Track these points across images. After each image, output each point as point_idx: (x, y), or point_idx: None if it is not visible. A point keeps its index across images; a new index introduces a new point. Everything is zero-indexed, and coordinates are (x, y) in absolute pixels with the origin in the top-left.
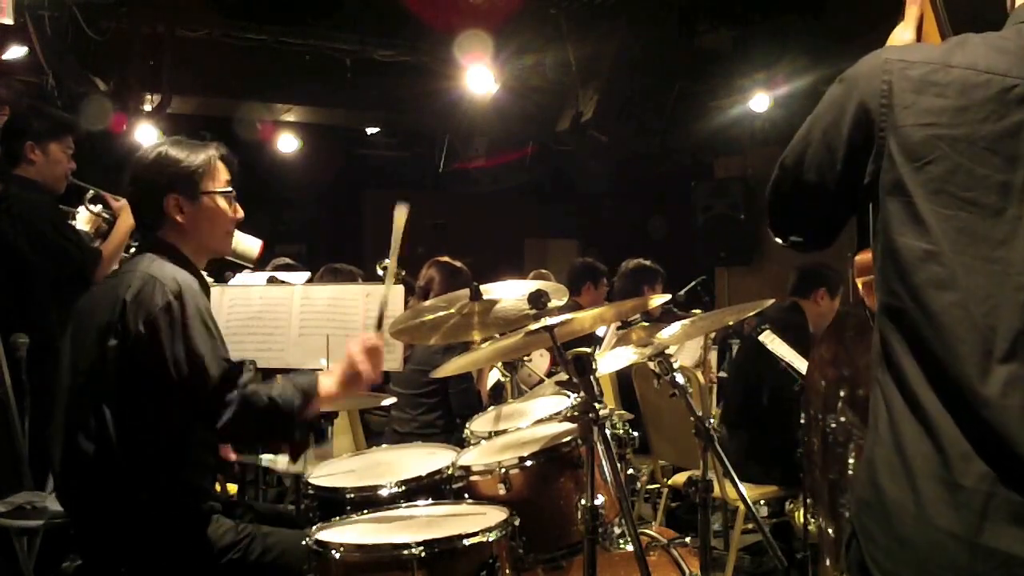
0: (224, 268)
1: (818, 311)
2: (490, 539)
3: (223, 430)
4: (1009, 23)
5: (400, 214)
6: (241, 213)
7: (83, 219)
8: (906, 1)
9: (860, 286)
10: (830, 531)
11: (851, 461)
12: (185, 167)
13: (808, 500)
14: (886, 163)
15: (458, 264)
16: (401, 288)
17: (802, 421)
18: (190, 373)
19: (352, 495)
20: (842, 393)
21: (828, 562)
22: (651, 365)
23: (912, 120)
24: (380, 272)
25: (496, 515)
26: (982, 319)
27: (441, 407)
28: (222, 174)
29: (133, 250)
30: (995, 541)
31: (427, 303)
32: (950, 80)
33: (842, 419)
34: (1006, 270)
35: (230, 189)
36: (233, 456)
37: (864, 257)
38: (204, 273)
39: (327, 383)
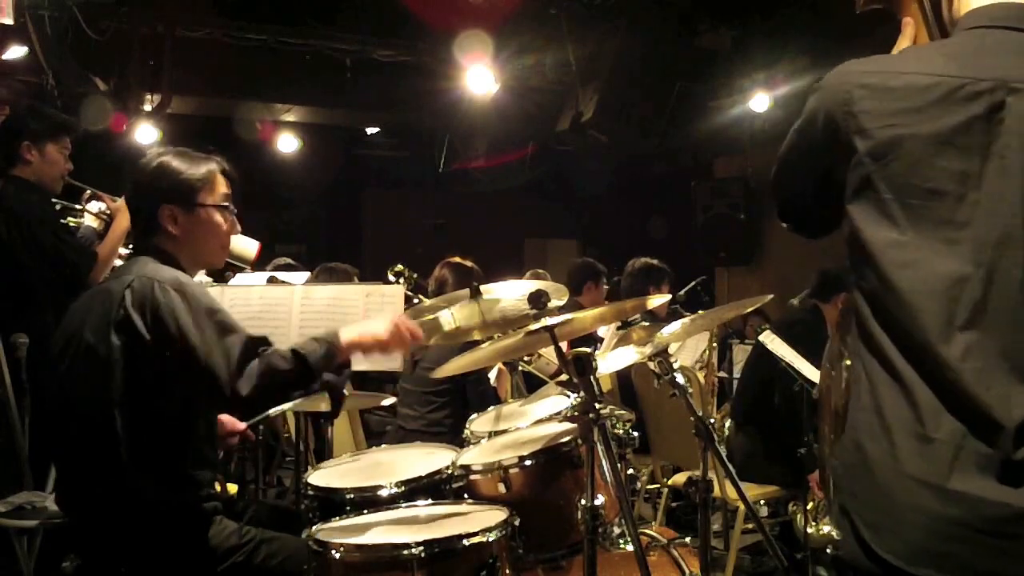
0: (223, 268)
1: (836, 316)
2: (490, 539)
3: (249, 398)
4: (957, 30)
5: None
6: (238, 228)
7: (89, 218)
8: (902, 22)
9: None
10: None
11: None
12: (184, 179)
13: (810, 504)
14: (853, 163)
15: (469, 264)
16: (401, 288)
17: (817, 425)
18: (208, 355)
19: (352, 495)
20: None
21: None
22: (651, 365)
23: (875, 123)
24: (392, 278)
25: (496, 515)
26: (945, 292)
27: (450, 406)
28: (221, 188)
29: (128, 252)
30: (963, 486)
31: (427, 303)
32: (905, 84)
33: None
34: (967, 247)
35: (227, 204)
36: (242, 426)
37: None
38: (202, 273)
39: (347, 333)
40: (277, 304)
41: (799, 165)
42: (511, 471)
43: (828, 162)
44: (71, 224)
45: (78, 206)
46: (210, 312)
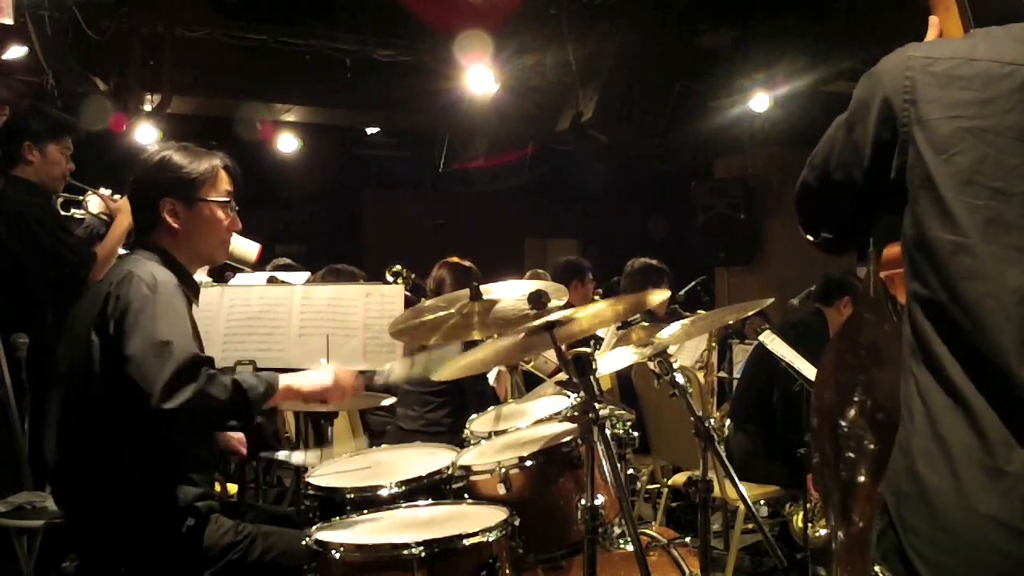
0: (223, 269)
1: (840, 320)
2: (490, 539)
3: (173, 413)
4: None
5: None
6: (239, 225)
7: (94, 204)
8: (932, 10)
9: (893, 280)
10: (840, 535)
11: (861, 468)
12: (186, 173)
13: (809, 504)
14: (912, 158)
15: (467, 264)
16: (400, 288)
17: (812, 425)
18: (147, 358)
19: (352, 495)
20: (856, 398)
21: (837, 571)
22: (651, 365)
23: (939, 114)
24: (389, 278)
25: (496, 515)
26: (1015, 307)
27: (449, 406)
28: (223, 184)
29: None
30: None
31: (427, 303)
32: (975, 73)
33: (854, 423)
34: None
35: (228, 199)
36: (244, 450)
37: (892, 251)
38: (203, 273)
39: (289, 380)
40: (277, 304)
41: (842, 162)
42: (511, 471)
43: (882, 157)
44: (77, 215)
45: (81, 197)
46: (170, 323)
